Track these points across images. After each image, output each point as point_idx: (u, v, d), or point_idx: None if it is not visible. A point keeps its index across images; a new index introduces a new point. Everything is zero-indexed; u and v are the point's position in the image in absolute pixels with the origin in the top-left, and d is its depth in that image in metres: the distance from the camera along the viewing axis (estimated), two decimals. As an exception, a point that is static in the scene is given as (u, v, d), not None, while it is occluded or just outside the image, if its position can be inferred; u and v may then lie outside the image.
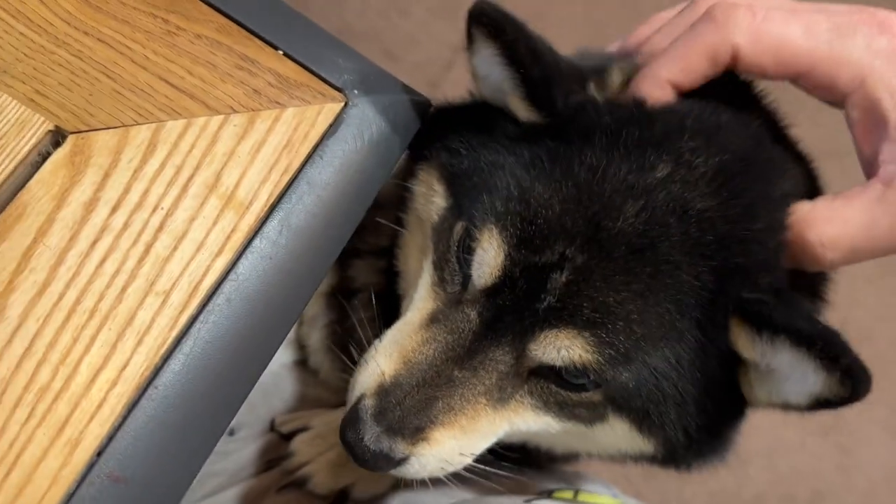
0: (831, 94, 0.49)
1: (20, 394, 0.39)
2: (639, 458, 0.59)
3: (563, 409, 0.54)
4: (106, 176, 0.43)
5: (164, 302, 0.42)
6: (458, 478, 0.56)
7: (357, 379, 0.54)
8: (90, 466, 0.39)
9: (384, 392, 0.52)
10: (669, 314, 0.50)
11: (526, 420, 0.54)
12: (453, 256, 0.54)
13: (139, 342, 0.41)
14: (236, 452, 0.72)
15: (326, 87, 0.48)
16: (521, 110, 0.54)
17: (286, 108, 0.47)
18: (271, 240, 0.45)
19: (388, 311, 0.61)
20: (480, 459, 0.56)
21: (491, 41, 0.52)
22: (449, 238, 0.54)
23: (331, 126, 0.47)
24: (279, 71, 0.48)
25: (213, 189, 0.44)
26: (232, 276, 0.43)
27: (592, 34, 2.00)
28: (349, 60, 0.49)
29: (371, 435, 0.51)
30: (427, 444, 0.52)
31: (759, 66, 0.49)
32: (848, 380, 0.46)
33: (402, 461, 0.52)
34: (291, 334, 0.78)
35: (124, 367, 0.40)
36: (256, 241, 0.44)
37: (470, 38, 0.53)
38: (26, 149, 0.43)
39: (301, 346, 0.78)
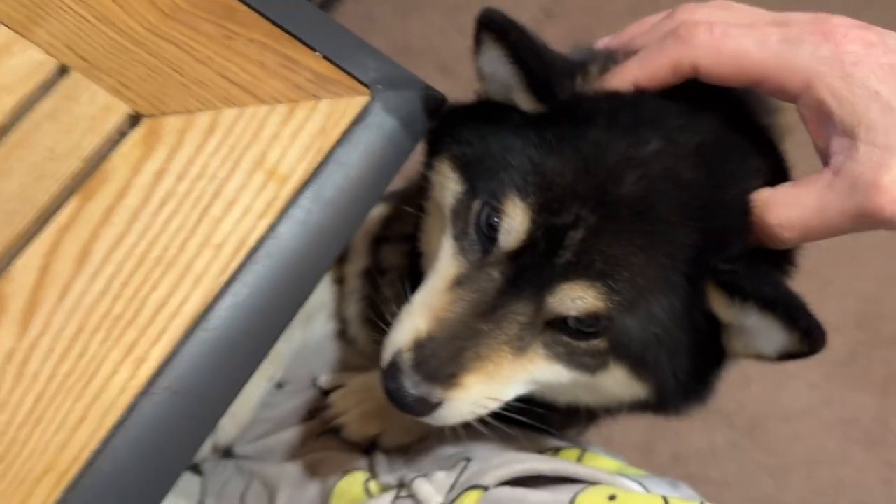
0: (784, 96, 0.54)
1: (99, 321, 0.47)
2: (633, 406, 0.65)
3: (571, 359, 0.59)
4: (173, 152, 0.51)
5: (216, 253, 0.50)
6: (483, 426, 0.62)
7: (392, 338, 0.60)
8: (152, 380, 0.46)
9: (420, 346, 0.58)
10: (665, 268, 0.55)
11: (540, 368, 0.60)
12: (472, 230, 0.60)
13: (196, 284, 0.49)
14: (283, 403, 0.80)
15: (355, 83, 0.55)
16: (525, 102, 0.60)
17: (321, 99, 0.54)
18: (305, 208, 0.52)
19: (413, 288, 0.69)
20: (502, 415, 0.62)
21: (498, 43, 0.58)
22: (467, 215, 0.60)
23: (358, 115, 0.54)
24: (317, 69, 0.55)
25: (260, 165, 0.52)
26: (272, 235, 0.51)
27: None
28: (376, 61, 0.57)
29: (411, 382, 0.57)
30: (459, 388, 0.58)
31: (718, 77, 0.55)
32: (806, 337, 0.53)
33: (438, 405, 0.58)
34: (334, 308, 0.87)
35: (183, 303, 0.48)
36: (293, 209, 0.52)
37: (478, 42, 0.60)
38: (111, 128, 0.51)
39: (342, 319, 0.86)
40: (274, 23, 0.56)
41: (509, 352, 0.58)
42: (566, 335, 0.59)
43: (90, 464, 0.44)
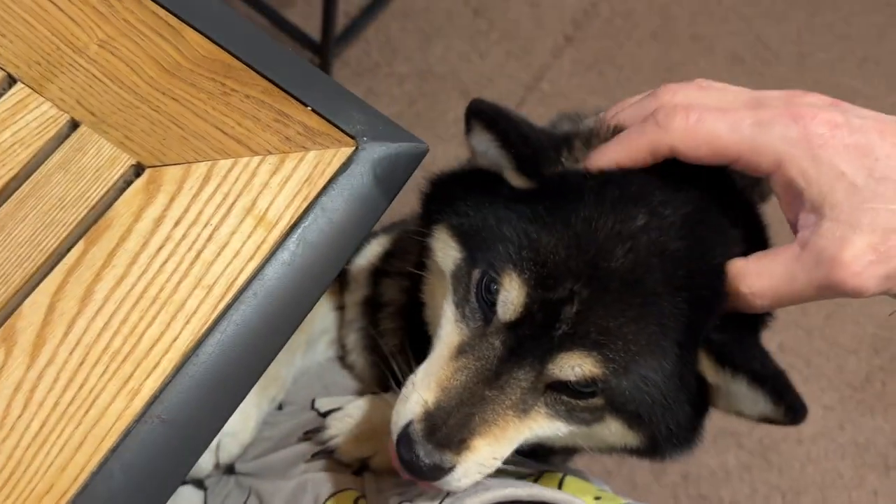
0: (757, 174, 0.57)
1: (99, 355, 0.51)
2: (624, 450, 0.68)
3: (571, 415, 0.63)
4: (172, 199, 0.55)
5: (207, 293, 0.53)
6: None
7: (401, 409, 0.64)
8: (145, 410, 0.50)
9: (429, 416, 0.62)
10: (656, 335, 0.59)
11: (542, 426, 0.64)
12: (473, 297, 0.64)
13: (187, 322, 0.53)
14: (282, 423, 0.84)
15: (342, 134, 0.59)
16: (515, 179, 0.64)
17: (309, 150, 0.58)
18: (291, 251, 0.56)
19: (410, 323, 0.72)
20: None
21: (487, 130, 0.62)
22: (468, 283, 0.64)
23: (343, 165, 0.58)
24: (307, 123, 0.59)
25: (250, 211, 0.56)
26: (259, 276, 0.55)
27: (665, 77, 2.08)
28: (363, 113, 0.60)
29: (425, 451, 0.61)
30: (469, 452, 0.61)
31: (694, 158, 0.58)
32: (790, 412, 0.57)
33: (450, 470, 0.62)
34: (335, 335, 0.91)
35: (175, 339, 0.52)
36: (279, 252, 0.55)
37: (468, 126, 0.64)
38: (115, 177, 0.56)
39: (342, 346, 0.91)
40: (269, 79, 0.60)
41: (513, 415, 0.62)
42: (566, 395, 0.62)
43: (87, 485, 0.49)
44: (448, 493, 0.68)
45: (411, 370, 0.67)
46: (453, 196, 0.67)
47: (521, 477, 0.74)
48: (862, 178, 0.53)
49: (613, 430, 0.64)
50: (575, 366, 0.59)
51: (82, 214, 0.55)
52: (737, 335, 0.60)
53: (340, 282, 0.92)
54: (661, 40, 2.10)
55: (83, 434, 0.50)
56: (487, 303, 0.62)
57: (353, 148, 0.59)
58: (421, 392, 0.63)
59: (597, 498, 0.72)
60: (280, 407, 0.89)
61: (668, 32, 2.11)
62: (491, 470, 0.64)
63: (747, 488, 1.73)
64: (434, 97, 1.93)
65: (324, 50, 1.84)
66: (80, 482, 0.49)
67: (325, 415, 0.83)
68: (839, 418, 1.81)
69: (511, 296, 0.60)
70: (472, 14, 1.99)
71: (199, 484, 0.85)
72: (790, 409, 0.57)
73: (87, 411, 0.50)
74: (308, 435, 0.81)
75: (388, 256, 0.87)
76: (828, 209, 0.54)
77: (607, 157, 0.60)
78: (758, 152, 0.56)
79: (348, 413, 0.81)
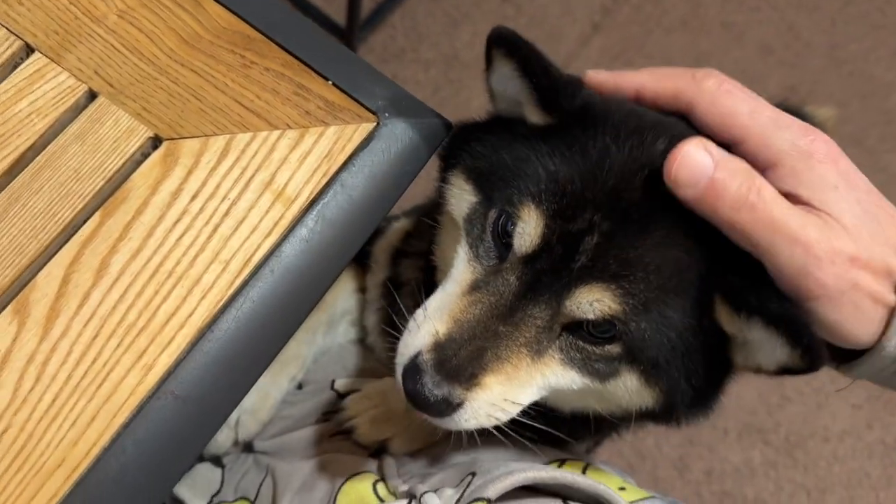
0: (753, 164, 0.57)
1: (113, 328, 0.51)
2: (638, 415, 0.65)
3: (585, 364, 0.61)
4: (189, 173, 0.55)
5: (224, 269, 0.53)
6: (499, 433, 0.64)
7: (408, 341, 0.62)
8: (159, 385, 0.50)
9: (440, 347, 0.60)
10: (679, 265, 0.57)
11: (555, 372, 0.61)
12: (488, 236, 0.62)
13: (203, 297, 0.52)
14: (301, 403, 0.84)
15: (363, 110, 0.58)
16: (534, 115, 0.63)
17: (330, 126, 0.57)
18: (309, 227, 0.55)
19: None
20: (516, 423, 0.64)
21: (508, 59, 0.60)
22: (483, 223, 0.62)
23: (364, 141, 0.57)
24: (327, 97, 0.58)
25: (268, 186, 0.55)
26: (277, 253, 0.54)
27: (695, 66, 2.04)
28: (385, 89, 0.60)
29: (433, 382, 0.59)
30: (480, 388, 0.59)
31: (704, 123, 0.58)
32: (807, 355, 0.54)
33: (459, 406, 0.60)
34: (357, 316, 0.90)
35: (191, 314, 0.52)
36: (297, 228, 0.55)
37: (489, 60, 0.62)
38: (133, 150, 0.55)
39: (363, 327, 0.90)
40: (289, 52, 0.59)
41: (527, 354, 0.60)
42: (582, 340, 0.60)
43: (98, 460, 0.48)
44: (470, 482, 0.67)
45: None
46: (469, 140, 0.66)
47: (545, 463, 0.72)
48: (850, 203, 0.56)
49: (629, 385, 0.62)
50: (593, 300, 0.57)
51: (98, 186, 0.54)
52: (756, 281, 0.57)
53: (363, 264, 0.91)
54: (690, 28, 2.06)
55: (96, 408, 0.49)
56: (503, 241, 0.61)
57: (375, 124, 0.59)
58: (433, 322, 0.61)
59: (621, 488, 0.71)
60: (300, 386, 0.88)
61: (697, 20, 2.08)
62: (504, 417, 0.62)
63: (772, 486, 1.71)
64: (460, 84, 1.91)
65: (349, 35, 1.83)
66: (91, 457, 0.48)
67: (343, 396, 0.82)
68: (867, 417, 1.78)
69: (529, 227, 0.59)
70: None
71: (217, 461, 0.84)
72: (807, 351, 0.54)
73: (100, 385, 0.50)
74: (326, 416, 0.81)
75: (407, 237, 0.86)
76: (817, 205, 0.56)
77: (634, 78, 0.61)
78: (763, 144, 0.57)
79: (367, 394, 0.80)
